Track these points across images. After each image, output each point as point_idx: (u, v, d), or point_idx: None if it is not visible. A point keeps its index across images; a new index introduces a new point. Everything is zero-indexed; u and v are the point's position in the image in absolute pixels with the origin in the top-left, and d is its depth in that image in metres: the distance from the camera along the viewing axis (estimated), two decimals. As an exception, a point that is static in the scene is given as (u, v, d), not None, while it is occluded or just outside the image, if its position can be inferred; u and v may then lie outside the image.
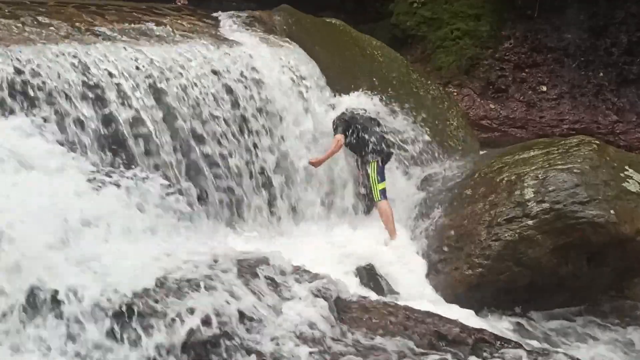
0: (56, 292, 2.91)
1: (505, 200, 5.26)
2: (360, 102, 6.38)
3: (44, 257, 3.05)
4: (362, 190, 6.18)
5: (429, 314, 3.28)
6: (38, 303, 2.89)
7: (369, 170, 5.92)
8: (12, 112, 4.50)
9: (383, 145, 6.08)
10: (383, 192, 5.87)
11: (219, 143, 5.54)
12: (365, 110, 6.31)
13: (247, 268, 3.27)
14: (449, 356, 2.96)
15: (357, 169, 6.15)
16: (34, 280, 2.93)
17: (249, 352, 2.82)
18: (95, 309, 2.88)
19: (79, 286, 2.93)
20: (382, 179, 5.93)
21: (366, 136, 6.03)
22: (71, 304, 2.87)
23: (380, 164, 5.96)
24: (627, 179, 5.23)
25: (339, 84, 6.66)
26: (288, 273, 3.34)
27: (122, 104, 5.03)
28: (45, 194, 3.49)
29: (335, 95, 6.51)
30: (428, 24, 10.47)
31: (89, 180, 3.86)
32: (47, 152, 4.09)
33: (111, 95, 4.99)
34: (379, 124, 6.26)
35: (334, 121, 6.13)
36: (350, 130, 6.01)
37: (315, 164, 5.89)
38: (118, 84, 5.08)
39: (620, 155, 5.64)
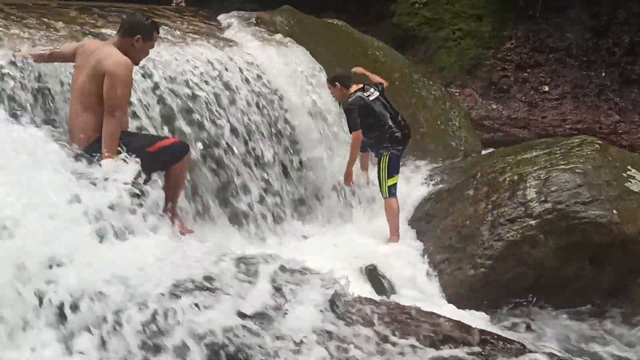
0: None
1: (507, 200, 5.26)
2: None
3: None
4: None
5: (432, 314, 3.27)
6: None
7: (380, 164, 5.62)
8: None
9: (397, 130, 5.61)
10: (392, 188, 5.61)
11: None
12: (378, 87, 5.78)
13: (250, 268, 3.26)
14: (451, 357, 2.96)
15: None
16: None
17: (251, 352, 2.82)
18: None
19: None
20: (392, 173, 5.59)
21: (379, 123, 5.58)
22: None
23: (393, 155, 5.59)
24: (630, 179, 5.22)
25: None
26: (291, 273, 3.34)
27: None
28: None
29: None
30: (430, 24, 10.48)
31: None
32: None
33: None
34: (389, 104, 5.75)
35: (345, 109, 5.61)
36: (361, 120, 5.49)
37: (348, 179, 5.70)
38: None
39: (622, 155, 5.64)
